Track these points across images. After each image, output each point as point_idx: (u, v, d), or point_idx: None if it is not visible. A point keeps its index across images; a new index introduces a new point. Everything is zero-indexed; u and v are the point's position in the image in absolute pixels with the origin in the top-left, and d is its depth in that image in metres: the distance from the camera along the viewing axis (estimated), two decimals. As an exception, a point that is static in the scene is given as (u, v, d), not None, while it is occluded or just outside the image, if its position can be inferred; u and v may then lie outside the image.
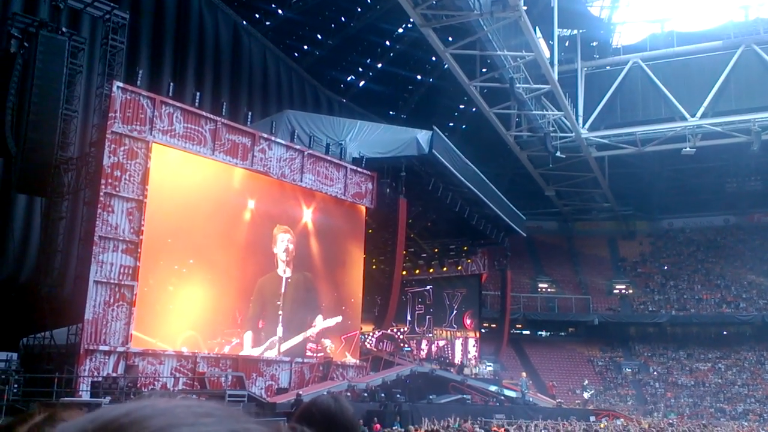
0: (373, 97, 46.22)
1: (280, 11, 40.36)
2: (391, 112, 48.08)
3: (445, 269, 37.12)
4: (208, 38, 33.84)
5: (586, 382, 38.59)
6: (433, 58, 41.11)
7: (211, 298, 20.83)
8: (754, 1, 40.67)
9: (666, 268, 49.78)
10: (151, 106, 19.30)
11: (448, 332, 37.96)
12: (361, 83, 47.58)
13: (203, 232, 20.74)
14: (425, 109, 45.86)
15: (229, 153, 21.43)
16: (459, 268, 37.08)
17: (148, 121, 19.17)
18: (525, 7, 27.27)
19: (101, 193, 17.92)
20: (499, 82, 32.89)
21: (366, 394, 22.71)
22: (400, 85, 48.57)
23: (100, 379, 16.76)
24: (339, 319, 25.05)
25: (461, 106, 48.73)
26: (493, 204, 31.44)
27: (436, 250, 36.70)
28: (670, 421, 28.14)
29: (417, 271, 37.16)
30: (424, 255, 36.67)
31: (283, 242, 23.39)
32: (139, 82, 19.77)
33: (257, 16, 39.83)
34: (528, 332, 46.79)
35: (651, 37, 41.67)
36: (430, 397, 25.73)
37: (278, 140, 23.26)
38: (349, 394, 21.58)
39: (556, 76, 33.19)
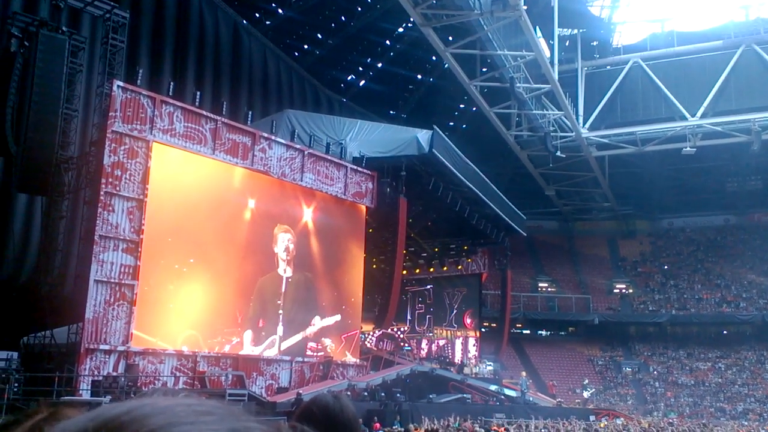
0: (374, 97, 46.18)
1: (280, 10, 40.33)
2: (391, 112, 48.04)
3: (445, 269, 37.11)
4: (209, 37, 33.81)
5: (586, 381, 38.64)
6: (434, 58, 41.11)
7: (211, 298, 20.82)
8: (755, 1, 40.71)
9: (666, 267, 49.75)
10: (151, 106, 19.30)
11: (449, 331, 37.95)
12: (362, 83, 47.55)
13: (203, 231, 20.74)
14: (425, 109, 45.80)
15: (230, 152, 21.43)
16: (459, 267, 37.09)
17: (149, 121, 19.17)
18: (525, 7, 27.30)
19: (102, 193, 17.93)
20: (499, 81, 32.89)
21: (366, 394, 22.72)
22: (400, 85, 48.51)
23: (100, 378, 16.76)
24: (338, 317, 25.04)
25: (461, 106, 48.66)
26: (494, 203, 31.40)
27: (436, 249, 36.67)
28: (670, 420, 28.13)
29: (417, 271, 37.15)
30: (425, 254, 36.64)
31: (283, 242, 23.39)
32: (139, 82, 19.78)
33: (257, 15, 39.80)
34: (528, 331, 46.75)
35: (651, 37, 41.70)
36: (430, 396, 25.73)
37: (278, 140, 23.26)
38: (349, 393, 21.54)
39: (556, 76, 33.20)
